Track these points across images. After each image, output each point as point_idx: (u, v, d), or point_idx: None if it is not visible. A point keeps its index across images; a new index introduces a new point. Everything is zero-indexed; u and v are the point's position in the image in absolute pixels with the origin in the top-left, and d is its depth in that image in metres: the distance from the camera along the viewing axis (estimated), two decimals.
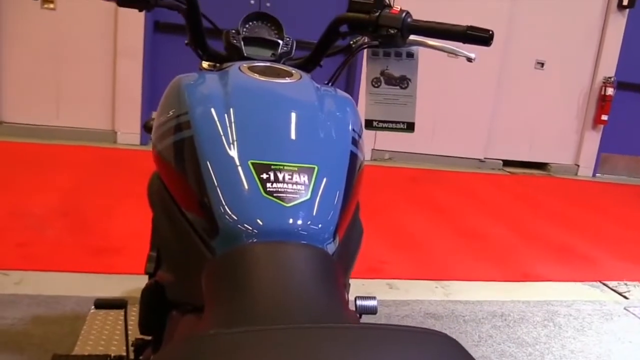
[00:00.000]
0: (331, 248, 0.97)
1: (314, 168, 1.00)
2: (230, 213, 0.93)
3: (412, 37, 1.31)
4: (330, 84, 1.40)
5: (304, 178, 0.97)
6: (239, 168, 0.97)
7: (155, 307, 1.19)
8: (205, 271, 0.92)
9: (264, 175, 0.96)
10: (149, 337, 1.34)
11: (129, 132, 5.26)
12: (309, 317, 0.79)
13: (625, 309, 3.03)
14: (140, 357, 1.44)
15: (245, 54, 1.40)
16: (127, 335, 1.43)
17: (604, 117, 6.60)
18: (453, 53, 1.39)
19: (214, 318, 0.83)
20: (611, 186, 6.50)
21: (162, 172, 1.13)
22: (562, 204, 5.30)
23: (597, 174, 6.99)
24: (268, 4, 5.30)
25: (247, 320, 0.78)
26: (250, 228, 0.91)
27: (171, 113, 1.11)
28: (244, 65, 1.24)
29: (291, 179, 0.97)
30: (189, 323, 1.00)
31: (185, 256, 1.04)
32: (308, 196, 0.96)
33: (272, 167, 0.97)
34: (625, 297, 3.22)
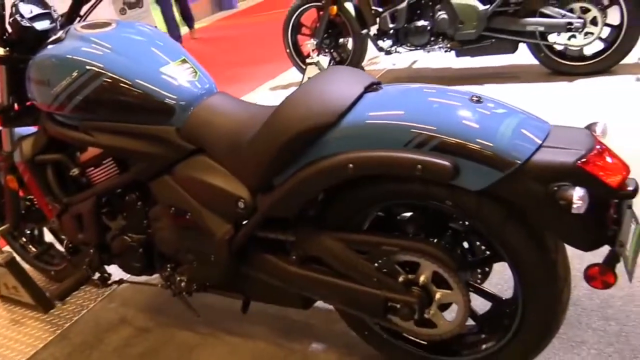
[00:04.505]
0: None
1: (183, 58, 1.58)
2: (179, 96, 1.48)
3: None
4: None
5: (187, 64, 1.55)
6: (158, 75, 1.49)
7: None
8: (187, 126, 1.46)
9: (172, 73, 1.50)
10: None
11: None
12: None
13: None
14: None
15: (39, 29, 1.67)
16: None
17: None
18: None
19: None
20: None
21: (87, 115, 1.54)
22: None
23: None
24: None
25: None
26: (193, 96, 1.49)
27: (75, 74, 1.50)
28: (77, 27, 1.59)
29: (183, 69, 1.53)
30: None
31: (150, 139, 1.51)
32: (197, 73, 1.55)
33: (172, 65, 1.52)
34: None
